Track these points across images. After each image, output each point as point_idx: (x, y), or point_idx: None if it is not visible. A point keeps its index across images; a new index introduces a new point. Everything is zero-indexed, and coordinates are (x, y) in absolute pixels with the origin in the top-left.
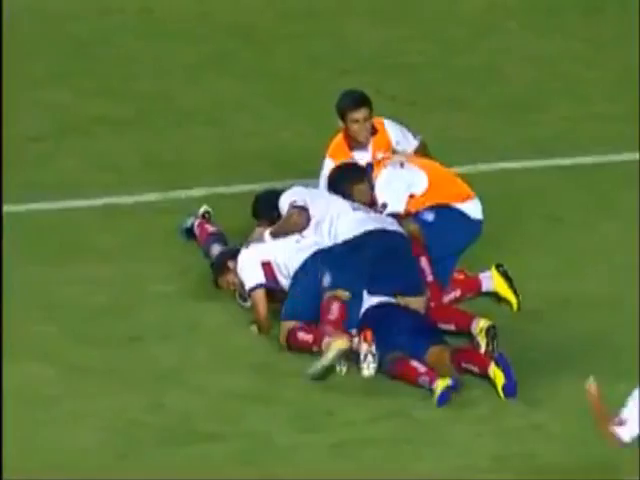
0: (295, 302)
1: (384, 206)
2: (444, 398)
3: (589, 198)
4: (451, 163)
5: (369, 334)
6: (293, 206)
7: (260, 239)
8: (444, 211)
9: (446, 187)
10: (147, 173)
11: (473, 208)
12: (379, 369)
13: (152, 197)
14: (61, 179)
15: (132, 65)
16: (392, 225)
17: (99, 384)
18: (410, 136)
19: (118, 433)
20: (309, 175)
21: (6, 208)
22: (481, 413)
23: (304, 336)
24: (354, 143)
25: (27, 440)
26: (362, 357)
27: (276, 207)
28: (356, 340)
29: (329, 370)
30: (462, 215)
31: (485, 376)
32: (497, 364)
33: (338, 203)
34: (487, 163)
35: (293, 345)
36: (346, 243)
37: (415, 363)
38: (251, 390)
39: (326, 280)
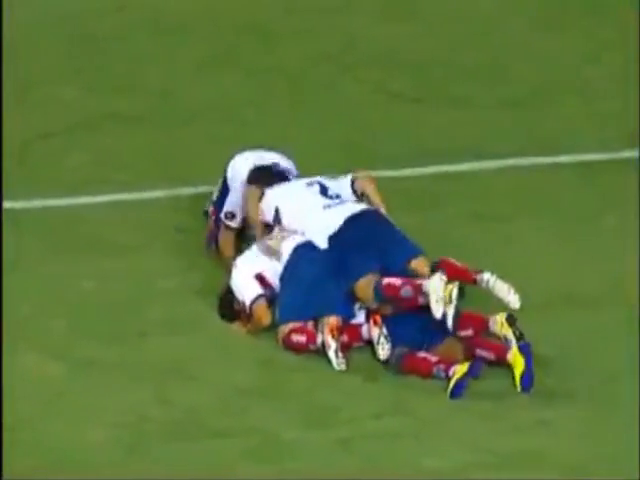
0: (286, 304)
1: None
2: (460, 388)
3: (592, 195)
4: (456, 161)
5: (378, 317)
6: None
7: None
8: None
9: None
10: (156, 170)
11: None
12: (389, 366)
13: (161, 194)
14: (71, 175)
15: (141, 62)
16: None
17: (107, 379)
18: None
19: (126, 428)
20: (315, 171)
21: (15, 204)
22: (488, 408)
23: (298, 338)
24: None
25: (35, 435)
26: (375, 340)
27: None
28: (365, 328)
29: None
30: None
31: (500, 363)
32: (520, 350)
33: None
34: (493, 160)
35: (290, 348)
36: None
37: (423, 354)
38: (257, 386)
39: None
